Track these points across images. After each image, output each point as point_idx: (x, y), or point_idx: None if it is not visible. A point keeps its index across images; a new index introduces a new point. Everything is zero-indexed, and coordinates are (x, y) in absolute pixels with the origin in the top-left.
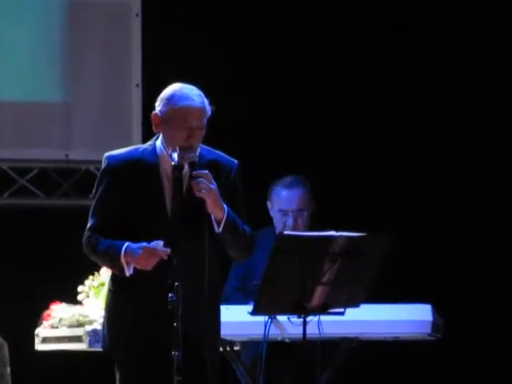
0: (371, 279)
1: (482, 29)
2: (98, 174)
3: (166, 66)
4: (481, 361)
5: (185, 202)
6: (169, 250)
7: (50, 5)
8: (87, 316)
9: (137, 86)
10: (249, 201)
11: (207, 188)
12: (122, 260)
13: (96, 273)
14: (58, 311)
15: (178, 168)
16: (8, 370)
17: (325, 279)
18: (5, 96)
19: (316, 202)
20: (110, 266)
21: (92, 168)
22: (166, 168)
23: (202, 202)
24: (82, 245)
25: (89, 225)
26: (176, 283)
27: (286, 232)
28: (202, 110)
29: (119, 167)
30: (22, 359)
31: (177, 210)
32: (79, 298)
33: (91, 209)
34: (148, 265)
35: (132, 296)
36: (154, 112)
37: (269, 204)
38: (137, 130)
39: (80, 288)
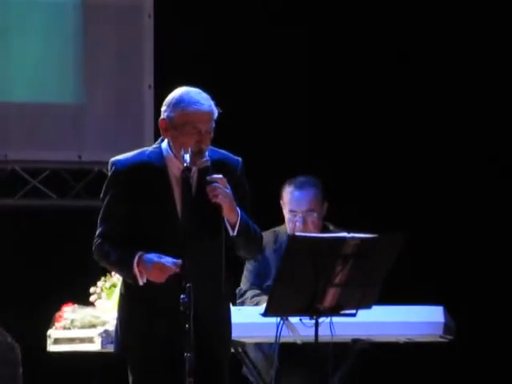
0: (383, 280)
1: (483, 28)
2: (106, 180)
3: (179, 68)
4: (493, 362)
5: (195, 205)
6: (179, 262)
7: (64, 7)
8: (99, 317)
9: (149, 87)
10: (259, 199)
11: (223, 193)
12: (135, 270)
13: (108, 274)
14: (70, 312)
15: (187, 170)
16: (20, 370)
17: (337, 280)
18: (18, 97)
19: (328, 203)
20: (122, 276)
21: (104, 169)
22: (174, 171)
23: (217, 207)
24: (93, 251)
25: (98, 231)
26: (188, 284)
27: (297, 233)
28: (211, 113)
29: (127, 172)
30: (34, 360)
31: (187, 212)
32: (91, 299)
33: (100, 215)
34: (160, 279)
35: (145, 298)
36: (161, 117)
37: (281, 203)
38: (149, 130)
39: (92, 289)
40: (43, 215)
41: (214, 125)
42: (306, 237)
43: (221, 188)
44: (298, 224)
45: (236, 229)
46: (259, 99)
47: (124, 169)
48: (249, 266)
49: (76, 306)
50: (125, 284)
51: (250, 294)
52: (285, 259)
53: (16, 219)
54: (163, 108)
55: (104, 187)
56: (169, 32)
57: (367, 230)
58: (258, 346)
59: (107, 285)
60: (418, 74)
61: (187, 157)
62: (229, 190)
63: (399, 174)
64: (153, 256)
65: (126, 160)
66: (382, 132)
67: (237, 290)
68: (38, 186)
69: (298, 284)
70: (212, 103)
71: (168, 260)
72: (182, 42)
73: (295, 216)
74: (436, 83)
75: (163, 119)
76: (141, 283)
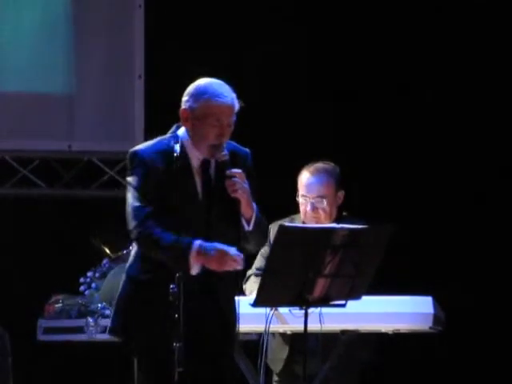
0: (373, 271)
1: (484, 27)
2: (130, 171)
3: (169, 58)
4: (483, 354)
5: (213, 198)
6: (242, 256)
7: None
8: (89, 307)
9: (139, 77)
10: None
11: (242, 188)
12: (192, 258)
13: (98, 264)
14: (60, 302)
15: (206, 162)
16: (9, 360)
17: (326, 271)
18: (8, 87)
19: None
20: (173, 262)
21: (94, 159)
22: (194, 161)
23: (235, 201)
24: (136, 239)
25: (137, 220)
26: (177, 274)
27: (287, 224)
28: (233, 107)
29: (150, 160)
30: (23, 350)
31: (207, 202)
32: (81, 288)
33: (132, 205)
34: (221, 267)
35: (155, 285)
36: (182, 107)
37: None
38: (139, 121)
39: (82, 279)
40: (33, 204)
41: (235, 118)
42: (295, 227)
43: (240, 183)
44: (308, 209)
45: (251, 224)
46: (256, 91)
47: (147, 156)
48: (262, 251)
49: (66, 295)
50: (135, 268)
51: (248, 284)
52: (274, 250)
53: (5, 208)
54: (185, 98)
55: (130, 177)
56: (159, 22)
57: (381, 220)
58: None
59: (97, 275)
60: (417, 74)
61: (177, 147)
62: (246, 185)
63: (390, 166)
64: (216, 244)
65: (148, 148)
66: (376, 125)
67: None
68: (28, 175)
69: (287, 274)
70: (234, 96)
71: (233, 250)
72: (173, 33)
73: (306, 201)
74: (435, 82)
75: (185, 109)
76: (194, 273)
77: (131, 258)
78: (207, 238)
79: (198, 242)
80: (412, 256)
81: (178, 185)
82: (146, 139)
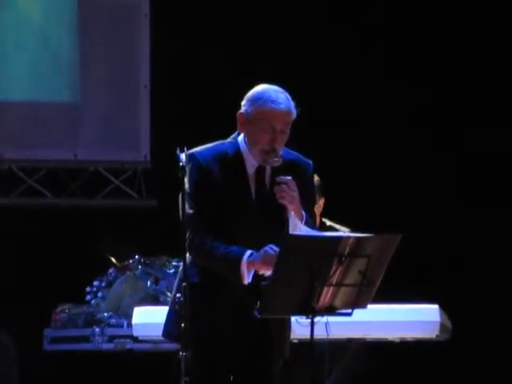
0: (379, 280)
1: (484, 26)
2: (187, 174)
3: (175, 68)
4: (490, 362)
5: (266, 203)
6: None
7: (60, 6)
8: (95, 316)
9: (145, 86)
10: None
11: (290, 195)
12: (244, 267)
13: (104, 273)
14: (66, 311)
15: (261, 169)
16: (16, 369)
17: (332, 280)
18: (14, 96)
19: (324, 198)
20: (226, 272)
21: (100, 168)
22: (249, 167)
23: (283, 208)
24: (191, 249)
25: (192, 227)
26: (183, 284)
27: (293, 232)
28: (288, 113)
29: (208, 163)
30: (30, 359)
31: (260, 209)
32: (87, 298)
33: (190, 210)
34: (269, 267)
35: (211, 289)
36: (239, 111)
37: None
38: (145, 130)
39: (88, 288)
40: (39, 214)
41: (290, 125)
42: (301, 236)
43: (288, 190)
44: None
45: None
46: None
47: (205, 160)
48: None
49: (72, 304)
50: (197, 273)
51: None
52: (280, 258)
53: (11, 218)
54: (243, 102)
55: (188, 181)
56: (165, 31)
57: (365, 228)
58: None
59: (103, 284)
60: (417, 73)
61: (182, 156)
62: (296, 193)
63: (397, 174)
64: (263, 248)
65: (206, 151)
66: (374, 130)
67: None
68: (34, 185)
69: (293, 283)
70: (292, 104)
71: (273, 247)
72: (178, 42)
73: None
74: (433, 81)
75: (241, 113)
76: (246, 282)
77: (186, 263)
78: (257, 244)
79: (247, 254)
80: (419, 264)
81: (233, 190)
82: (151, 148)
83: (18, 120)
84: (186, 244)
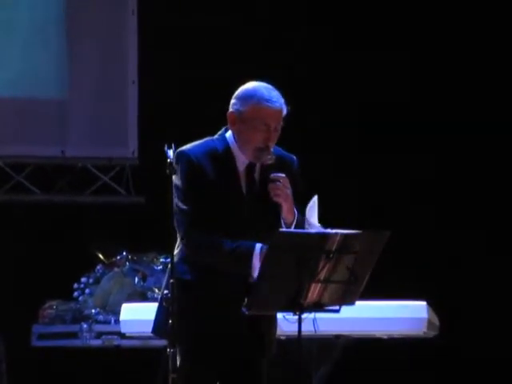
0: (367, 277)
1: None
2: (178, 172)
3: (162, 64)
4: (478, 359)
5: (256, 201)
6: None
7: (47, 2)
8: (83, 312)
9: (133, 82)
10: None
11: (284, 193)
12: (256, 260)
13: (91, 269)
14: (54, 307)
15: (251, 166)
16: (3, 366)
17: (320, 276)
18: (1, 93)
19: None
20: (234, 266)
21: (88, 164)
22: (239, 164)
23: (277, 206)
24: (189, 245)
25: (188, 223)
26: (171, 281)
27: (281, 229)
28: (281, 111)
29: (198, 160)
30: (18, 356)
31: (251, 205)
32: (75, 294)
33: (183, 205)
34: None
35: (201, 286)
36: (230, 111)
37: None
38: (133, 126)
39: (75, 284)
40: (27, 210)
41: (282, 123)
42: (289, 232)
43: (282, 187)
44: None
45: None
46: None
47: (196, 156)
48: None
49: (60, 301)
50: (187, 270)
51: None
52: (268, 255)
53: None
54: (233, 101)
55: (180, 178)
56: (152, 28)
57: (349, 226)
58: None
59: (91, 280)
60: (416, 73)
61: (170, 152)
62: (289, 190)
63: (385, 167)
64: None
65: (197, 148)
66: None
67: None
68: (22, 181)
69: (281, 280)
70: (283, 101)
71: None
72: (166, 38)
73: None
74: (432, 81)
75: (232, 112)
76: (255, 276)
77: (173, 260)
78: (248, 240)
79: (259, 246)
80: (407, 260)
81: (224, 187)
82: (139, 145)
83: (4, 116)
84: (183, 241)
